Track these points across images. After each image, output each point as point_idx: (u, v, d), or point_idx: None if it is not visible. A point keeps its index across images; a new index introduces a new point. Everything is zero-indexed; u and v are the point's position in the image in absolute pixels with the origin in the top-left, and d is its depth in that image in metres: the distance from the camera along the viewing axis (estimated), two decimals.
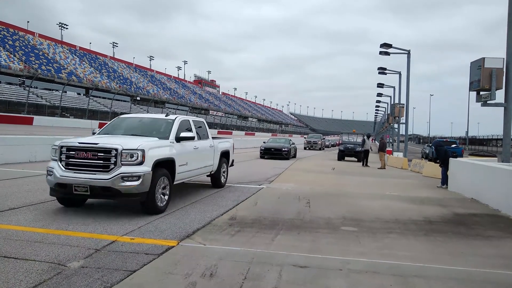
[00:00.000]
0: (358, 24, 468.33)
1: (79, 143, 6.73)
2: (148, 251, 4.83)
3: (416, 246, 5.73)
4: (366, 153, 22.81)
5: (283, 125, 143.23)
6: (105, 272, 4.11)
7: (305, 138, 47.33)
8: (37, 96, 51.93)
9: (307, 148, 42.64)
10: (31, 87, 48.57)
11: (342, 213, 7.83)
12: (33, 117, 41.07)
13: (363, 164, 22.42)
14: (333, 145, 62.08)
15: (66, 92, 55.71)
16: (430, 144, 36.20)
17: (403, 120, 33.11)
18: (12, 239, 5.04)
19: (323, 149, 45.32)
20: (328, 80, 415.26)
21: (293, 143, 26.23)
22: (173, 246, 5.08)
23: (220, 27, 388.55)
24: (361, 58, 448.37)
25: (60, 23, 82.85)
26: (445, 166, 13.14)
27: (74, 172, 6.45)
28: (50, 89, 56.84)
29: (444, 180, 13.18)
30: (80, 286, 3.74)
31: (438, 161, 13.80)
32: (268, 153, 23.66)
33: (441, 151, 13.63)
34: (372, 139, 55.86)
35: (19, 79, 53.76)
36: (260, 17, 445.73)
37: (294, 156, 25.89)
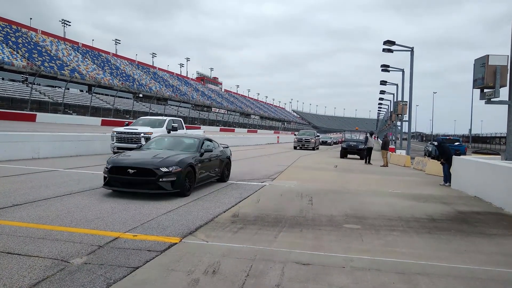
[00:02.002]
0: (359, 21, 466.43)
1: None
2: (150, 248, 4.84)
3: (419, 243, 5.71)
4: (369, 150, 22.79)
5: (285, 123, 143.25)
6: (108, 268, 4.12)
7: (295, 135, 37.69)
8: (40, 93, 52.03)
9: (298, 148, 35.31)
10: (34, 84, 48.66)
11: (345, 210, 7.82)
12: (36, 114, 41.18)
13: (365, 162, 22.39)
14: (335, 143, 61.50)
15: (68, 89, 55.85)
16: (433, 142, 36.10)
17: (406, 117, 33.03)
18: (16, 236, 5.06)
19: (317, 148, 37.98)
20: (330, 77, 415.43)
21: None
22: (175, 243, 5.09)
23: (222, 24, 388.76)
24: (363, 55, 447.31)
25: (62, 19, 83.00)
26: (448, 164, 13.10)
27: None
28: (53, 86, 56.95)
29: (447, 178, 13.14)
30: (83, 282, 3.75)
31: (440, 158, 13.73)
32: None
33: (445, 148, 13.62)
34: (375, 136, 54.75)
35: (22, 76, 53.89)
36: (261, 14, 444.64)
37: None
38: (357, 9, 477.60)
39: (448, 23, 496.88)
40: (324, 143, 54.24)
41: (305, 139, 35.73)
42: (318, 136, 39.56)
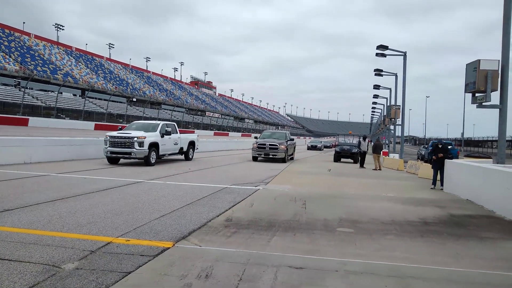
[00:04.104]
0: (353, 27, 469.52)
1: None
2: (143, 253, 4.80)
3: (413, 247, 5.73)
4: (362, 154, 22.88)
5: (279, 127, 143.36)
6: (100, 273, 4.08)
7: (256, 138, 23.94)
8: (33, 97, 51.71)
9: (260, 157, 22.38)
10: (27, 88, 48.40)
11: (339, 214, 7.83)
12: (28, 118, 40.92)
13: (360, 166, 22.47)
14: (327, 147, 61.08)
15: (61, 93, 55.58)
16: (427, 146, 36.33)
17: (399, 121, 33.25)
18: (6, 241, 5.00)
19: (292, 158, 25.25)
20: (324, 82, 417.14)
21: None
22: (168, 248, 5.06)
23: (217, 29, 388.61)
24: (357, 60, 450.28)
25: (56, 24, 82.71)
26: (442, 167, 13.17)
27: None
28: (45, 90, 56.65)
29: (441, 181, 13.20)
30: (74, 287, 3.71)
31: (433, 160, 13.67)
32: None
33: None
34: (369, 140, 54.68)
35: (15, 80, 53.57)
36: (257, 20, 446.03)
37: None
38: (351, 15, 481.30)
39: (440, 29, 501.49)
40: (313, 147, 52.06)
41: (270, 144, 22.06)
42: (293, 140, 25.33)
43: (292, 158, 25.28)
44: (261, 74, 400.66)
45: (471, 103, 12.64)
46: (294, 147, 26.08)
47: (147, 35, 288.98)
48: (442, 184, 13.08)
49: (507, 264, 5.13)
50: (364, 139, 23.45)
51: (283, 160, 22.15)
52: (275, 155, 21.95)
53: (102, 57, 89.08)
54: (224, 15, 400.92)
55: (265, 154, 22.08)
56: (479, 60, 11.91)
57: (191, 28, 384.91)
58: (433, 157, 13.44)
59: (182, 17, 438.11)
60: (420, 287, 4.14)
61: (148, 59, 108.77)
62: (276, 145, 22.01)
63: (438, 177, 13.37)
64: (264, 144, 22.16)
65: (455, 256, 5.38)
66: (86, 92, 60.24)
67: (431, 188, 13.20)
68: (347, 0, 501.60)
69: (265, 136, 24.33)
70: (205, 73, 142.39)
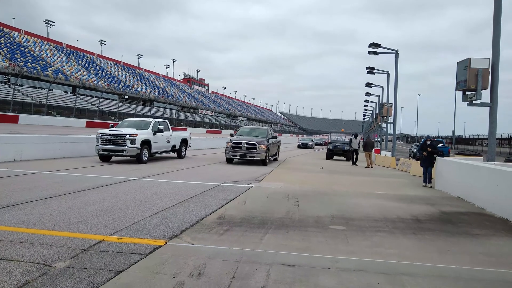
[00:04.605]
0: (346, 24, 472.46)
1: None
2: (135, 251, 4.78)
3: (405, 244, 5.77)
4: (354, 152, 23.00)
5: (272, 124, 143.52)
6: (91, 272, 4.05)
7: (231, 136, 19.50)
8: (23, 94, 51.16)
9: (236, 158, 18.48)
10: (17, 85, 47.82)
11: (331, 211, 7.86)
12: (18, 116, 40.49)
13: (352, 164, 22.57)
14: (320, 145, 61.42)
15: (52, 90, 55.02)
16: (418, 143, 36.57)
17: (391, 119, 33.45)
18: None
19: (275, 159, 21.57)
20: (317, 79, 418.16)
21: None
22: (161, 246, 5.04)
23: (210, 26, 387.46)
24: (349, 58, 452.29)
25: (46, 20, 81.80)
26: (433, 164, 13.29)
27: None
28: (36, 87, 56.09)
29: (429, 178, 13.32)
30: (66, 286, 3.68)
31: (422, 157, 13.83)
32: None
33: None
34: (361, 138, 54.81)
35: (4, 77, 52.92)
36: (249, 16, 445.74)
37: None
38: (344, 12, 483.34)
39: (431, 27, 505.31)
40: (303, 146, 51.08)
41: (247, 143, 18.06)
42: (275, 137, 21.80)
43: (276, 159, 21.59)
44: (254, 71, 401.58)
45: (462, 101, 12.75)
46: (278, 146, 22.40)
47: (139, 31, 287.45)
48: (430, 181, 13.20)
49: (498, 260, 5.19)
50: (356, 137, 23.53)
51: (263, 162, 18.32)
52: (253, 157, 17.90)
53: (93, 53, 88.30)
54: (216, 12, 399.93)
55: (241, 155, 17.98)
56: (470, 59, 12.01)
57: (183, 24, 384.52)
58: (423, 153, 13.55)
59: (174, 14, 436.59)
60: (411, 283, 4.17)
61: (140, 56, 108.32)
62: (255, 144, 17.94)
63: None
64: (240, 143, 18.03)
65: (447, 252, 5.43)
66: (77, 89, 59.72)
67: (423, 186, 13.31)
68: None
69: (243, 133, 20.14)
70: (198, 70, 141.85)
